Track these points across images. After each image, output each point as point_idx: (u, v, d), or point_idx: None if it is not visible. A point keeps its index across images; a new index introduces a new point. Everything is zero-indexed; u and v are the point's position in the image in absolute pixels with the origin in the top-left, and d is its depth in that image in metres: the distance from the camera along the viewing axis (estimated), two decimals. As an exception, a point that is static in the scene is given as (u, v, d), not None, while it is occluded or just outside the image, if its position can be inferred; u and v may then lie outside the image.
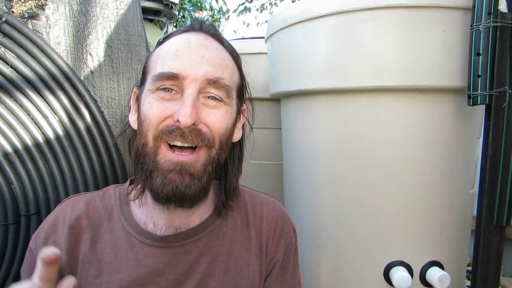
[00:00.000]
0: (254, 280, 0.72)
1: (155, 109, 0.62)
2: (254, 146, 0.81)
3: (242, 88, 0.73)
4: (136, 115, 0.69)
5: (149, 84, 0.64)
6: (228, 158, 0.73)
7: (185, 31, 0.68)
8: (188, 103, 0.60)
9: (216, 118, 0.64)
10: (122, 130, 1.00)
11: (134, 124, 0.71)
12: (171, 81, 0.62)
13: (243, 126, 0.77)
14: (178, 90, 0.62)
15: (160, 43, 0.70)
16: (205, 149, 0.63)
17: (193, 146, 0.63)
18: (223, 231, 0.73)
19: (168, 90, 0.62)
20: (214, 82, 0.63)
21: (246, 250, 0.73)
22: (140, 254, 0.67)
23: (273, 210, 0.79)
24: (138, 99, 0.69)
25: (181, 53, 0.63)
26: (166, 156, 0.62)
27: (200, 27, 0.69)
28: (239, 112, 0.73)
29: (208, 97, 0.64)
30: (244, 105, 0.76)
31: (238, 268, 0.72)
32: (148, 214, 0.70)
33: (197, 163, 0.63)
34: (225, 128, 0.66)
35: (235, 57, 0.71)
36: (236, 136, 0.73)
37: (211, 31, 0.69)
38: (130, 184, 0.76)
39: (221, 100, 0.65)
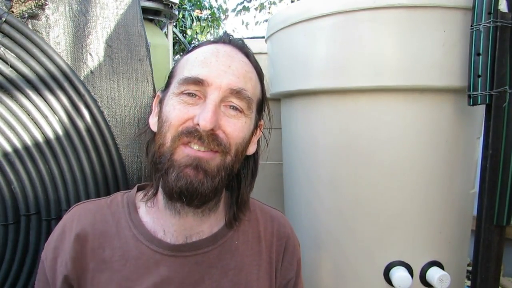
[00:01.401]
0: None
1: (177, 111, 0.63)
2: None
3: (262, 103, 0.75)
4: (157, 118, 0.71)
5: (174, 88, 0.66)
6: (241, 171, 0.74)
7: (215, 42, 0.71)
8: (209, 108, 0.61)
9: (235, 127, 0.65)
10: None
11: (154, 127, 0.71)
12: (196, 86, 0.63)
13: (258, 141, 0.77)
14: (201, 96, 0.64)
15: (188, 51, 0.72)
16: (220, 154, 0.64)
17: (209, 151, 0.63)
18: (235, 245, 0.73)
19: (192, 95, 0.64)
20: (237, 93, 0.64)
21: (256, 265, 0.74)
22: (150, 262, 0.67)
23: (283, 227, 0.80)
24: (161, 102, 0.70)
25: (209, 61, 0.65)
26: (184, 152, 0.62)
27: (229, 40, 0.72)
28: (256, 126, 0.74)
29: (230, 106, 0.65)
30: (262, 120, 0.77)
31: (248, 282, 0.72)
32: (159, 221, 0.70)
33: (212, 161, 0.63)
34: (242, 138, 0.67)
35: (259, 71, 0.73)
36: (251, 150, 0.74)
37: (239, 44, 0.72)
38: (138, 191, 0.76)
39: (241, 111, 0.66)
